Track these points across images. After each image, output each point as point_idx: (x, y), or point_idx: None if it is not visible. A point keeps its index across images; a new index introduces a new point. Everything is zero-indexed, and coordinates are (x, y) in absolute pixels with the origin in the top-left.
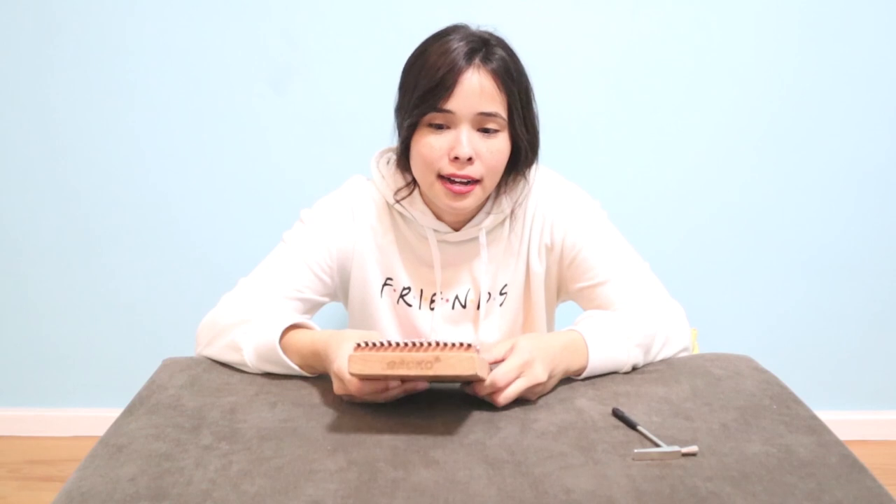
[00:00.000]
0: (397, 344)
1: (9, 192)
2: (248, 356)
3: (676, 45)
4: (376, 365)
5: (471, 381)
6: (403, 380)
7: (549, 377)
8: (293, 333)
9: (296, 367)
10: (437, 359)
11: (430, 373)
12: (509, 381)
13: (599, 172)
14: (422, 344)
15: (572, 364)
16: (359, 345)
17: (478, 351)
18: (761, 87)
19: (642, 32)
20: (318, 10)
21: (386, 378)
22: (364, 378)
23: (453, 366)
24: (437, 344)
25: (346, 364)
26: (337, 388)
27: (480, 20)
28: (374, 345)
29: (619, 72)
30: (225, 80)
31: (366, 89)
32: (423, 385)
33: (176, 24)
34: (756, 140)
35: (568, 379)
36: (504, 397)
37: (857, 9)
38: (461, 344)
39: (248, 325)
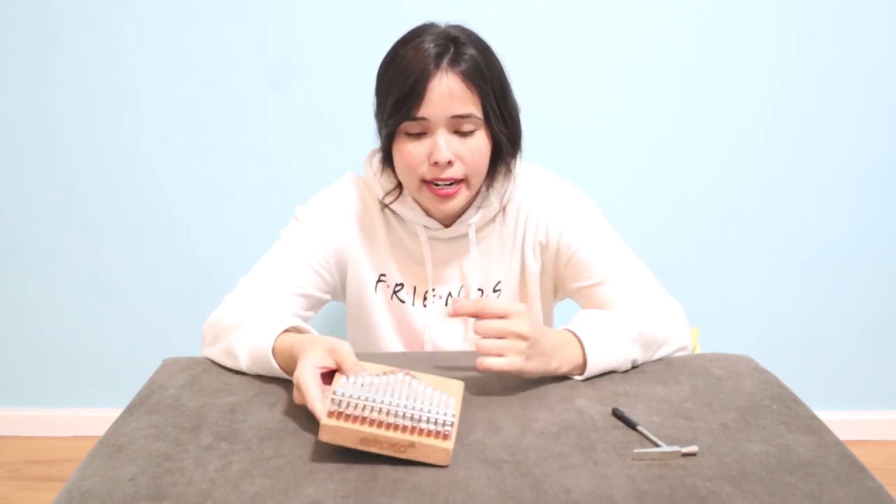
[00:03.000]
0: (371, 420)
1: (9, 191)
2: (244, 362)
3: (676, 46)
4: (348, 438)
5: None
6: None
7: (537, 354)
8: (283, 337)
9: (286, 375)
10: (412, 444)
11: (402, 456)
12: (490, 336)
13: (599, 172)
14: (398, 425)
15: (565, 362)
16: (331, 412)
17: (453, 440)
18: (761, 87)
19: (642, 32)
20: (318, 10)
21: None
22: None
23: (427, 455)
24: (414, 428)
25: (308, 374)
26: (295, 397)
27: (481, 20)
28: (348, 415)
29: (619, 72)
30: (225, 80)
31: (366, 89)
32: None
33: (176, 24)
34: (756, 140)
35: (568, 379)
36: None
37: (856, 9)
38: (437, 432)
39: (244, 329)
